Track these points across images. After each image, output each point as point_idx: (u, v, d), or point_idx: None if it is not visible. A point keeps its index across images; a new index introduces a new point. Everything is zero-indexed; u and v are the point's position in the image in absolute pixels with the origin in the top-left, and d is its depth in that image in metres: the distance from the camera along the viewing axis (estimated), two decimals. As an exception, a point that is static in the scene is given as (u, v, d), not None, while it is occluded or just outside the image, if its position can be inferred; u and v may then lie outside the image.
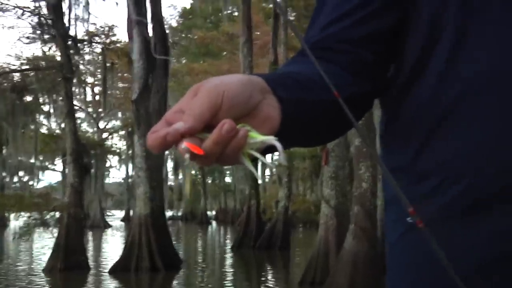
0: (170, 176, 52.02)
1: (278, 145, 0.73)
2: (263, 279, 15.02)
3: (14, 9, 21.26)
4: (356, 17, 0.97)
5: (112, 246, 24.32)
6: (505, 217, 0.87)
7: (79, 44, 20.04)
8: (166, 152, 41.28)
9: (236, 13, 35.28)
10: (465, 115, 0.89)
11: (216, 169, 54.34)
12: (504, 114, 0.87)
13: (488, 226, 0.88)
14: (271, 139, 0.73)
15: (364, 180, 8.73)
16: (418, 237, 0.92)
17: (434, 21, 0.94)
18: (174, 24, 45.35)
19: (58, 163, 43.54)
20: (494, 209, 0.88)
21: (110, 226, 42.99)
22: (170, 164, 49.46)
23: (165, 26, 18.83)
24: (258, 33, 32.50)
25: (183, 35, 43.24)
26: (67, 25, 18.05)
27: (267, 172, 46.17)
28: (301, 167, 33.38)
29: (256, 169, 0.77)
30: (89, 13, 20.85)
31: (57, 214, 17.33)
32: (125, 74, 34.40)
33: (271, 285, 13.58)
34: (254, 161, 0.76)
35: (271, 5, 25.65)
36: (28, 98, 23.08)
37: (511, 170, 0.86)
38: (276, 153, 0.79)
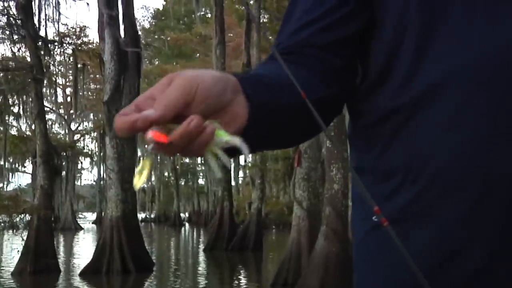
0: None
1: (243, 146, 0.74)
2: (235, 281, 15.01)
3: (-17, 9, 20.93)
4: (325, 22, 0.98)
5: (83, 249, 24.09)
6: (458, 215, 0.88)
7: (49, 45, 19.82)
8: (139, 154, 41.05)
9: (209, 15, 35.26)
10: (426, 117, 0.90)
11: (189, 171, 54.19)
12: (462, 116, 0.88)
13: (443, 224, 0.89)
14: (236, 140, 0.74)
15: (335, 181, 8.77)
16: (382, 235, 0.93)
17: (397, 23, 0.94)
18: (147, 25, 45.19)
19: (28, 165, 43.00)
20: (449, 208, 0.89)
21: (81, 228, 42.57)
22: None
23: (138, 27, 18.73)
24: (231, 35, 32.53)
25: (156, 36, 43.09)
26: (37, 25, 17.85)
27: (241, 173, 46.20)
28: (274, 168, 33.46)
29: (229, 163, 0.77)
30: (59, 14, 20.63)
31: (27, 217, 17.11)
32: (97, 75, 34.12)
33: (243, 287, 13.58)
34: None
35: (244, 7, 25.68)
36: (-3, 99, 22.76)
37: (467, 171, 0.87)
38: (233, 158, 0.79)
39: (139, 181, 0.72)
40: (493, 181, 0.86)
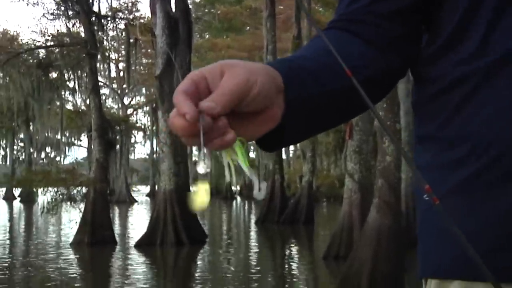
0: (195, 151, 52.34)
1: (254, 179, 0.76)
2: (287, 253, 15.12)
3: (38, -15, 21.35)
4: None
5: (138, 221, 24.63)
6: None
7: (102, 20, 20.09)
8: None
9: (259, -13, 35.03)
10: (500, 84, 0.88)
11: (240, 144, 54.50)
12: None
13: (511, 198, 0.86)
14: (250, 174, 0.75)
15: (387, 153, 8.67)
16: (452, 203, 0.92)
17: None
18: (197, -1, 45.21)
19: (84, 139, 44.06)
20: None
21: (135, 201, 43.49)
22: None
23: (188, 1, 18.79)
24: (281, 7, 32.28)
25: (206, 10, 43.11)
26: (90, 1, 18.10)
27: (291, 147, 46.19)
28: (325, 141, 33.31)
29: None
30: (112, -11, 20.84)
31: (84, 189, 17.58)
32: (149, 50, 34.47)
33: (295, 260, 13.67)
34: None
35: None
36: (54, 75, 23.28)
37: None
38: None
39: (196, 204, 0.71)
40: None
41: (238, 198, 50.79)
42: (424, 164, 1.00)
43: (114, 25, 22.67)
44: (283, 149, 29.98)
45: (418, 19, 0.99)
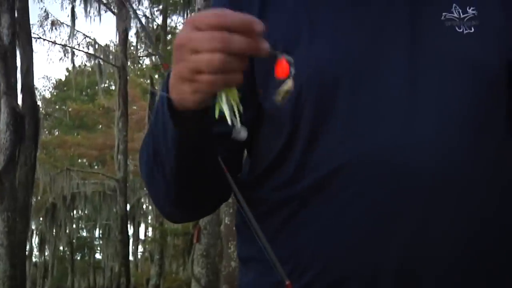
0: (36, 252, 49.30)
1: (237, 128, 0.81)
2: None
3: None
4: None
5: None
6: None
7: None
8: (33, 227, 39.21)
9: (112, 87, 35.07)
10: (312, 212, 0.93)
11: (86, 245, 52.24)
12: (346, 213, 0.90)
13: None
14: (237, 126, 0.80)
15: (233, 259, 8.71)
16: None
17: (285, 122, 0.96)
18: (48, 95, 44.25)
19: None
20: None
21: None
22: (35, 239, 47.01)
23: (38, 97, 18.34)
24: (135, 107, 32.38)
25: (57, 106, 42.20)
26: None
27: (140, 248, 44.99)
28: (174, 244, 32.86)
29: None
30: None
31: None
32: (-8, 144, 32.80)
33: None
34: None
35: (148, 81, 25.81)
36: None
37: (351, 267, 0.90)
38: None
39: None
40: (375, 276, 0.89)
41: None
42: (250, 284, 1.03)
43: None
44: (131, 251, 29.09)
45: (238, 147, 1.03)
